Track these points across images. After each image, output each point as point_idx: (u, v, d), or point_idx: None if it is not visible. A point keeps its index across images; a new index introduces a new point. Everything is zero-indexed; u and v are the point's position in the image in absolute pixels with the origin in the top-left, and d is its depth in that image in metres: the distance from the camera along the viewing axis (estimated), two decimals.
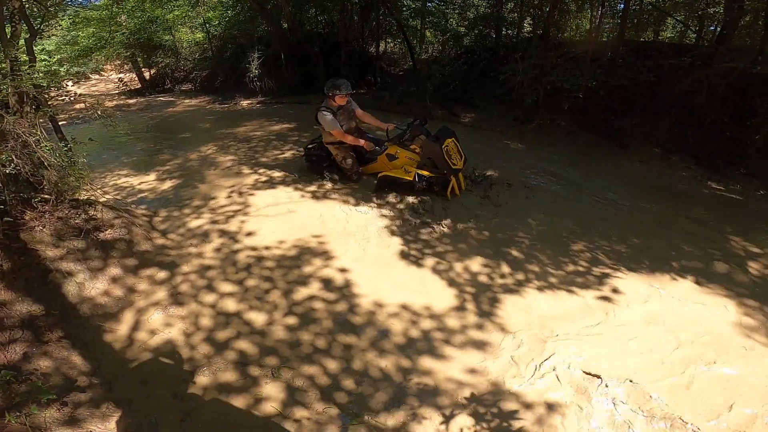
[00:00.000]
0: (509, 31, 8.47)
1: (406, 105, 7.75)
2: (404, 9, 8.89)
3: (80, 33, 9.51)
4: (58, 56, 9.41)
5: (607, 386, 2.14)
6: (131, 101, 9.80)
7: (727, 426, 1.97)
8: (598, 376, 2.19)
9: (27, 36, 4.56)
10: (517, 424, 1.97)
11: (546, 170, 5.05)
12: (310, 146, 4.58)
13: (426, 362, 2.28)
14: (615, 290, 2.89)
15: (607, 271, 3.10)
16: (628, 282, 2.98)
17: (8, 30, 4.09)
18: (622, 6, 7.28)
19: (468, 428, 1.94)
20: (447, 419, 1.98)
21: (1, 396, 1.83)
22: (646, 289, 2.90)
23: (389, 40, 10.37)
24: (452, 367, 2.26)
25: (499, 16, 7.76)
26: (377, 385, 2.13)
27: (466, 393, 2.11)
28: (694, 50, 6.17)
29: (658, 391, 2.12)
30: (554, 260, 3.20)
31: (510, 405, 2.06)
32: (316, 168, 4.45)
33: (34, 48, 4.87)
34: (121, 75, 12.40)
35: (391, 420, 1.97)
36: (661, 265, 3.19)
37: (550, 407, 2.06)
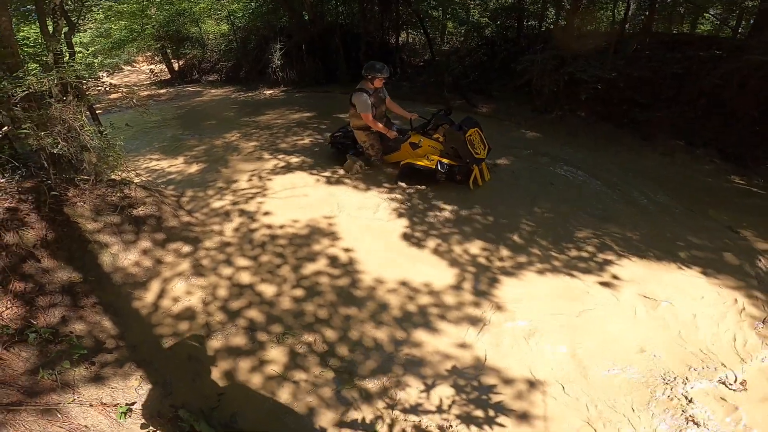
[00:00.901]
0: (532, 22, 8.36)
1: (425, 95, 7.83)
2: (424, 0, 8.89)
3: (113, 26, 9.98)
4: (93, 48, 9.97)
5: (588, 368, 2.25)
6: (161, 91, 10.27)
7: None
8: (582, 358, 2.30)
9: (66, 30, 4.90)
10: (495, 398, 2.10)
11: (561, 159, 5.04)
12: (336, 134, 4.75)
13: (418, 335, 2.45)
14: (615, 276, 2.94)
15: (610, 257, 3.14)
16: (629, 269, 3.01)
17: (50, 25, 4.47)
18: None
19: (447, 398, 2.10)
20: (428, 388, 2.15)
21: (38, 354, 2.05)
22: (648, 277, 2.93)
23: (410, 31, 10.39)
24: (442, 341, 2.42)
25: (521, 6, 7.68)
26: (368, 354, 2.33)
27: (449, 365, 2.26)
28: (725, 43, 5.96)
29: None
30: (556, 245, 3.27)
31: (490, 380, 2.20)
32: (341, 155, 4.61)
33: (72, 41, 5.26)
34: (152, 66, 12.93)
35: (376, 385, 2.16)
36: (668, 255, 3.18)
37: (532, 384, 2.17)
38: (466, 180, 3.97)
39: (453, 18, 9.01)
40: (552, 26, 7.90)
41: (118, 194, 3.24)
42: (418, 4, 8.35)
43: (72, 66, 3.55)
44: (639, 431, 1.96)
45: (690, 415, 2.01)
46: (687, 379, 2.19)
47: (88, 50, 9.41)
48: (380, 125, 4.13)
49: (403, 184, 4.10)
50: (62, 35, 4.58)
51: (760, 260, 3.15)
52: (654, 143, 6.03)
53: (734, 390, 2.12)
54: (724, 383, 2.16)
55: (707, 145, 5.91)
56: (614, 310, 2.64)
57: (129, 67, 14.16)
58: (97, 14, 9.20)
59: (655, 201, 4.09)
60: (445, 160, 3.87)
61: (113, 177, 3.44)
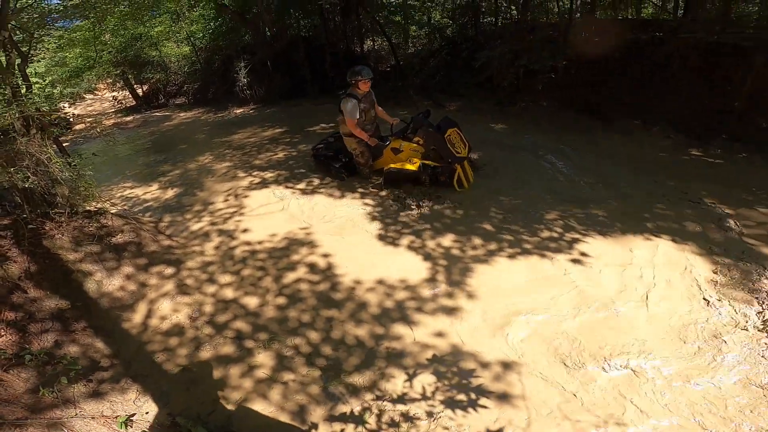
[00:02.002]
0: (489, 19, 8.68)
1: (393, 100, 8.03)
2: (385, 7, 9.12)
3: (68, 54, 9.81)
4: (50, 78, 9.81)
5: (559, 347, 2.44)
6: (128, 118, 10.17)
7: None
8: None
9: (19, 62, 4.85)
10: (475, 381, 2.25)
11: (525, 148, 5.29)
12: (318, 146, 4.81)
13: (397, 328, 2.61)
14: (584, 254, 3.13)
15: (578, 236, 3.33)
16: (597, 245, 3.20)
17: (2, 59, 4.45)
18: None
19: (429, 385, 2.24)
20: (410, 377, 2.29)
21: (36, 374, 2.17)
22: (618, 252, 3.12)
23: (375, 38, 10.62)
24: (420, 332, 2.57)
25: (475, 4, 7.98)
26: (351, 351, 2.47)
27: (429, 354, 2.41)
28: (664, 25, 6.36)
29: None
30: (527, 228, 3.46)
31: (469, 364, 2.34)
32: (324, 167, 4.68)
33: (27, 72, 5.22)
34: (115, 93, 12.72)
35: (362, 379, 2.30)
36: (635, 228, 3.38)
37: (506, 366, 2.32)
38: (450, 180, 4.02)
39: (414, 22, 9.27)
40: (507, 21, 8.23)
41: (95, 224, 3.30)
42: (375, 12, 8.57)
43: (30, 99, 3.55)
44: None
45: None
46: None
47: (44, 80, 9.27)
48: (361, 132, 4.12)
49: (375, 189, 4.24)
50: (16, 67, 4.56)
51: (727, 223, 3.37)
52: (612, 125, 6.37)
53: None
54: None
55: (662, 121, 6.27)
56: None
57: (91, 96, 13.90)
58: (49, 44, 9.07)
59: (618, 179, 4.31)
60: (428, 162, 3.94)
61: (88, 208, 3.49)
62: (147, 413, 2.13)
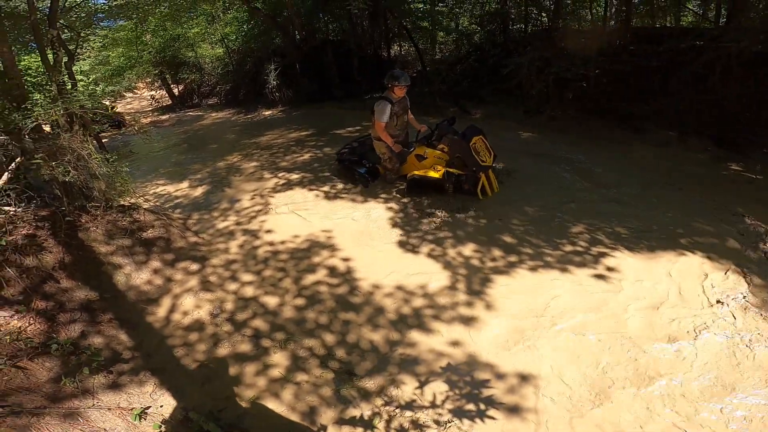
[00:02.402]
0: (518, 26, 8.57)
1: (419, 106, 8.03)
2: (412, 12, 9.14)
3: (111, 53, 10.34)
4: (94, 76, 10.36)
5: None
6: (164, 117, 10.61)
7: None
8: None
9: (66, 60, 5.12)
10: (487, 392, 2.20)
11: (553, 158, 5.16)
12: (343, 150, 4.84)
13: (413, 335, 2.59)
14: (610, 269, 3.01)
15: (604, 250, 3.21)
16: (625, 261, 3.08)
17: (50, 55, 4.69)
18: None
19: (440, 393, 2.21)
20: (421, 385, 2.27)
21: (60, 364, 2.26)
22: (643, 268, 3.00)
23: (402, 43, 10.66)
24: (435, 340, 2.54)
25: (504, 11, 7.90)
26: (365, 355, 2.47)
27: (444, 363, 2.38)
28: (705, 33, 6.09)
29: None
30: (549, 242, 3.36)
31: (483, 374, 2.30)
32: (348, 171, 4.69)
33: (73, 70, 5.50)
34: (153, 92, 13.32)
35: (374, 384, 2.29)
36: (665, 244, 3.23)
37: (523, 378, 2.27)
38: (474, 189, 3.96)
39: (441, 28, 9.26)
40: (537, 28, 8.10)
41: (128, 219, 3.45)
42: (403, 17, 8.60)
43: (75, 96, 3.73)
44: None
45: None
46: None
47: (89, 78, 9.77)
48: (387, 136, 4.09)
49: (398, 195, 4.23)
50: (63, 65, 4.81)
51: (764, 244, 3.18)
52: (645, 136, 6.13)
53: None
54: None
55: (700, 134, 5.99)
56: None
57: (131, 94, 14.57)
58: (94, 43, 9.56)
59: (651, 192, 4.14)
60: (452, 170, 3.89)
61: (123, 203, 3.65)
62: (162, 406, 2.19)
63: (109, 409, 2.04)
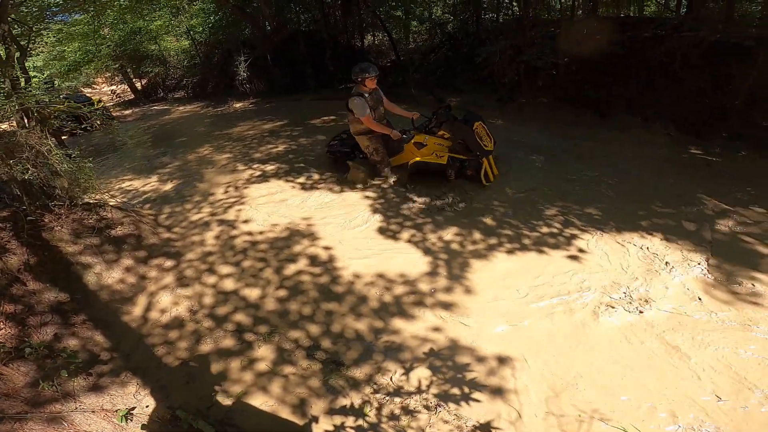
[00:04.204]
0: (490, 15, 8.65)
1: (394, 95, 8.00)
2: (386, 1, 9.06)
3: (66, 48, 9.77)
4: (48, 72, 9.78)
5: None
6: (127, 112, 10.13)
7: None
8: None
9: (18, 55, 4.86)
10: (469, 375, 2.24)
11: (525, 144, 5.29)
12: (333, 142, 4.71)
13: (396, 323, 2.60)
14: (581, 250, 3.12)
15: (576, 232, 3.31)
16: (594, 242, 3.18)
17: (2, 52, 4.43)
18: None
19: (425, 379, 2.24)
20: (407, 371, 2.29)
21: (36, 368, 2.16)
22: (610, 249, 3.11)
23: (376, 33, 10.57)
24: (417, 326, 2.57)
25: (476, 0, 7.95)
26: (350, 344, 2.47)
27: (426, 348, 2.41)
28: (666, 22, 6.34)
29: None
30: (527, 224, 3.45)
31: (464, 359, 2.34)
32: (339, 163, 4.55)
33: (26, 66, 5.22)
34: (113, 87, 12.71)
35: (361, 372, 2.30)
36: (630, 225, 3.36)
37: (501, 360, 2.31)
38: (477, 174, 3.96)
39: (414, 17, 9.23)
40: (508, 17, 8.21)
41: (95, 217, 3.29)
42: (376, 6, 8.52)
43: (30, 91, 3.57)
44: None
45: None
46: None
47: (43, 74, 9.24)
48: (383, 126, 4.02)
49: (377, 181, 4.20)
50: (15, 61, 4.55)
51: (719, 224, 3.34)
52: (611, 121, 6.37)
53: None
54: None
55: (662, 119, 6.27)
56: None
57: (89, 90, 13.87)
58: (48, 38, 9.04)
59: (616, 175, 4.28)
60: (456, 155, 3.88)
61: (88, 200, 3.47)
62: (147, 407, 2.12)
63: (93, 411, 1.95)
